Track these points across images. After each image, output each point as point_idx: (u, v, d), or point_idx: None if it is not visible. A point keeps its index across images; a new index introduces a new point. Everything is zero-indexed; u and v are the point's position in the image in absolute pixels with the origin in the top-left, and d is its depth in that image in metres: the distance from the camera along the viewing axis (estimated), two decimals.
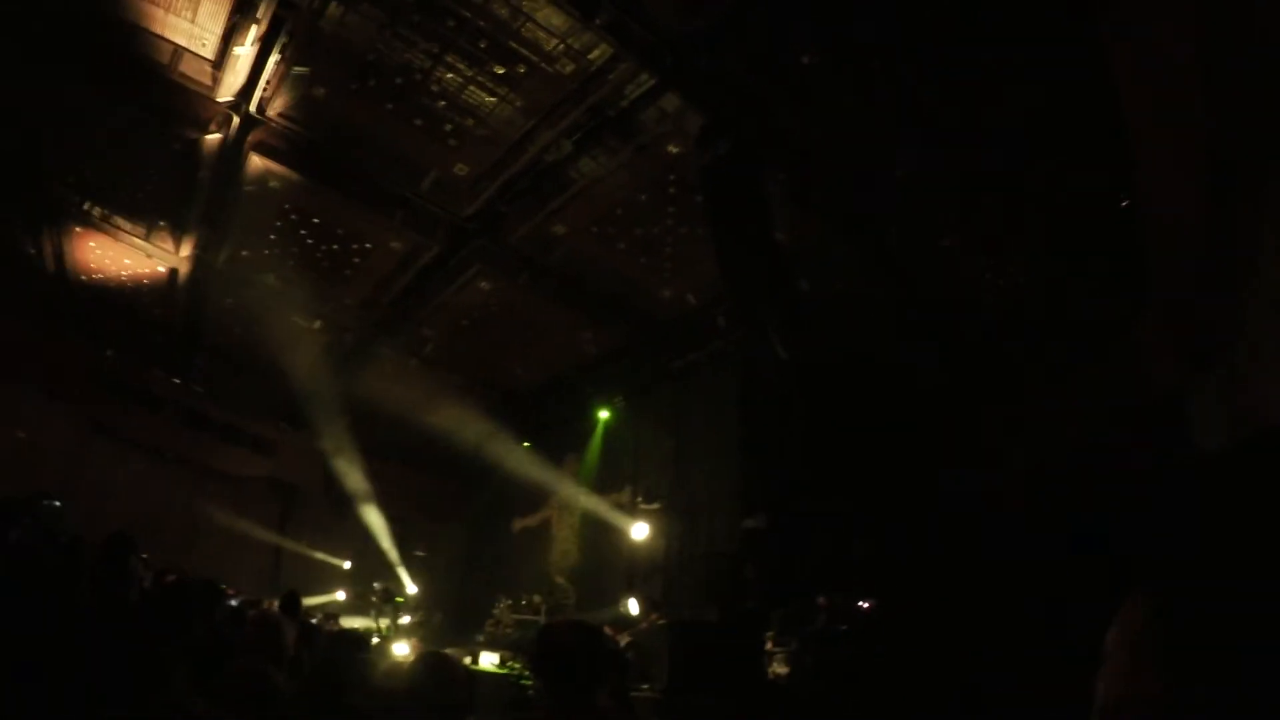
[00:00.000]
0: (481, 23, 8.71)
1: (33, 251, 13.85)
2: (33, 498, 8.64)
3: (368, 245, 12.79)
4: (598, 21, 8.23)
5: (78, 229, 13.20)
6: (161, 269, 14.08)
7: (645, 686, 9.61)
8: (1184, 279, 6.16)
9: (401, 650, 12.00)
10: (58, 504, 9.52)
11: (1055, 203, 8.30)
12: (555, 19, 8.53)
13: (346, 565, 19.08)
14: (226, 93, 9.90)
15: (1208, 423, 6.06)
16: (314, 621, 10.69)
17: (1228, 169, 5.16)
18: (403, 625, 16.10)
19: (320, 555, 19.23)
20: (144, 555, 8.04)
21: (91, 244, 13.53)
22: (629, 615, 12.29)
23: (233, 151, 10.70)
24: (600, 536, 15.17)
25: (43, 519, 7.90)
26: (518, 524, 18.03)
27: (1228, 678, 1.30)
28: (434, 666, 3.82)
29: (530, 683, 10.21)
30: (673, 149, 9.82)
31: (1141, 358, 7.24)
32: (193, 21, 9.06)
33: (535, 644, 3.31)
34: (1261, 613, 1.33)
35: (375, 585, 16.88)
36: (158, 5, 8.90)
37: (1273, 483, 4.90)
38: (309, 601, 16.51)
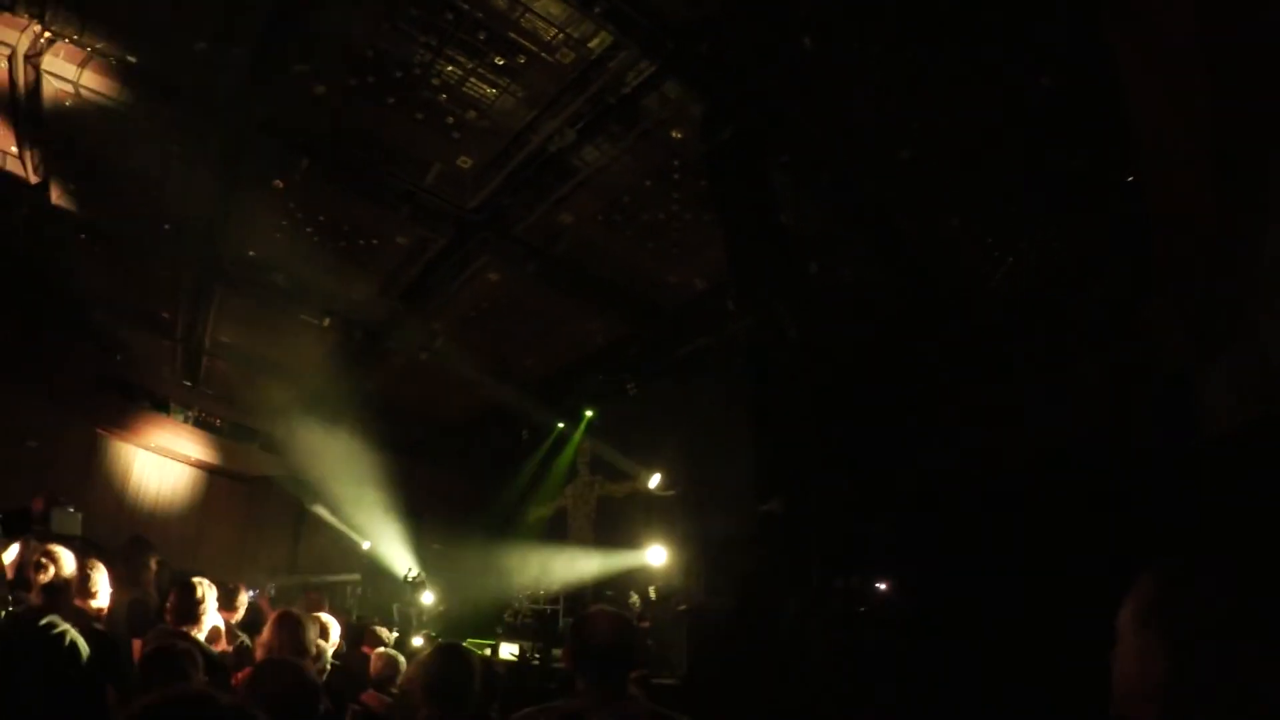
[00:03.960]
0: (480, 14, 8.66)
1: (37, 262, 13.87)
2: (47, 504, 8.67)
3: (374, 241, 12.76)
4: (596, 10, 8.19)
5: (82, 235, 13.20)
6: (167, 273, 14.09)
7: (664, 673, 9.64)
8: (1191, 262, 6.14)
9: (419, 643, 12.05)
10: (71, 509, 9.54)
11: (1063, 184, 8.27)
12: (553, 8, 8.48)
13: (363, 560, 19.12)
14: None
15: (1215, 405, 6.04)
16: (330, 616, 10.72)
17: (1233, 152, 5.13)
18: (421, 618, 16.16)
19: (335, 552, 19.28)
20: (161, 559, 8.10)
21: (96, 250, 13.53)
22: (647, 602, 12.33)
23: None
24: (617, 524, 15.20)
25: (57, 526, 7.93)
26: (533, 514, 18.06)
27: (1234, 657, 1.30)
28: (448, 658, 3.84)
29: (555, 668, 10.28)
30: (676, 134, 9.78)
31: (1148, 340, 7.23)
32: None
33: (570, 634, 3.31)
34: (1268, 594, 1.34)
35: (411, 576, 16.95)
36: None
37: None
38: None
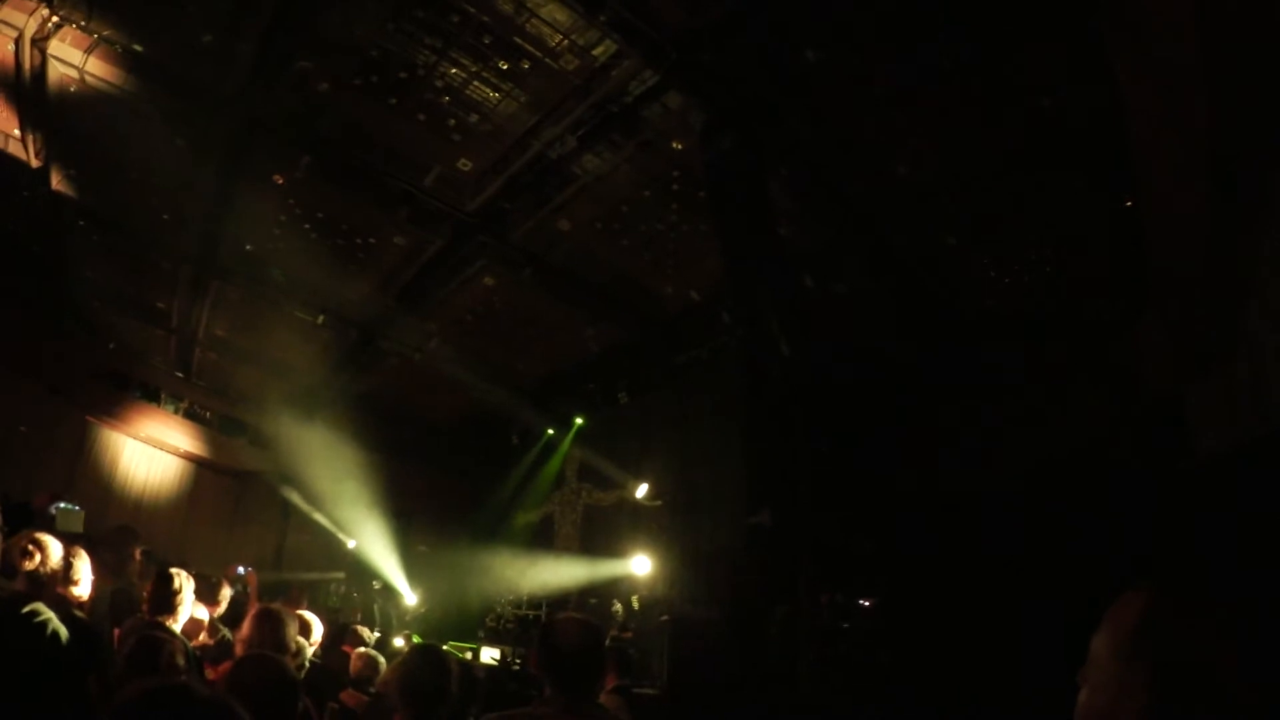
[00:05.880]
0: (485, 18, 8.68)
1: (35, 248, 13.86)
2: (50, 500, 8.62)
3: (371, 240, 12.76)
4: (602, 18, 8.21)
5: (80, 222, 13.17)
6: (165, 264, 14.07)
7: (645, 683, 9.61)
8: (1184, 282, 6.16)
9: (400, 644, 12.03)
10: (75, 507, 9.46)
11: (1058, 204, 8.29)
12: (559, 14, 8.51)
13: (348, 559, 19.07)
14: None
15: (1206, 426, 6.05)
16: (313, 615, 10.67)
17: (1229, 172, 5.14)
18: (404, 620, 16.13)
19: (320, 549, 19.22)
20: (146, 549, 8.07)
21: (95, 238, 13.50)
22: (630, 611, 12.31)
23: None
24: (602, 532, 15.19)
25: (60, 523, 7.88)
26: (520, 519, 18.04)
27: (1219, 686, 1.28)
28: (425, 658, 3.84)
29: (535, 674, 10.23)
30: (677, 145, 9.79)
31: (1141, 359, 7.25)
32: None
33: (538, 640, 3.32)
34: (1256, 623, 1.31)
35: (375, 584, 16.92)
36: None
37: (1272, 487, 4.88)
38: None
